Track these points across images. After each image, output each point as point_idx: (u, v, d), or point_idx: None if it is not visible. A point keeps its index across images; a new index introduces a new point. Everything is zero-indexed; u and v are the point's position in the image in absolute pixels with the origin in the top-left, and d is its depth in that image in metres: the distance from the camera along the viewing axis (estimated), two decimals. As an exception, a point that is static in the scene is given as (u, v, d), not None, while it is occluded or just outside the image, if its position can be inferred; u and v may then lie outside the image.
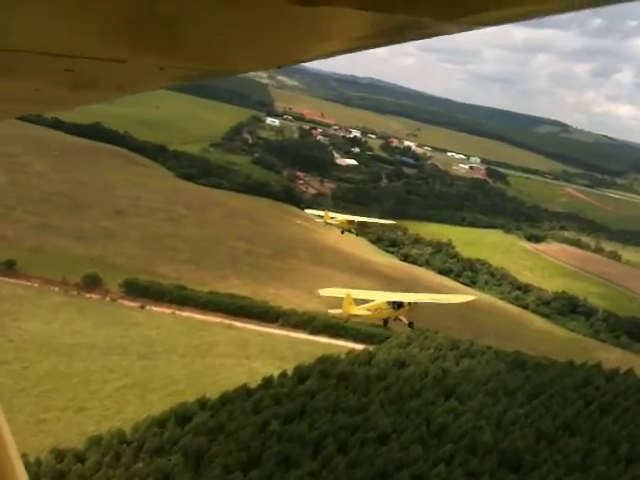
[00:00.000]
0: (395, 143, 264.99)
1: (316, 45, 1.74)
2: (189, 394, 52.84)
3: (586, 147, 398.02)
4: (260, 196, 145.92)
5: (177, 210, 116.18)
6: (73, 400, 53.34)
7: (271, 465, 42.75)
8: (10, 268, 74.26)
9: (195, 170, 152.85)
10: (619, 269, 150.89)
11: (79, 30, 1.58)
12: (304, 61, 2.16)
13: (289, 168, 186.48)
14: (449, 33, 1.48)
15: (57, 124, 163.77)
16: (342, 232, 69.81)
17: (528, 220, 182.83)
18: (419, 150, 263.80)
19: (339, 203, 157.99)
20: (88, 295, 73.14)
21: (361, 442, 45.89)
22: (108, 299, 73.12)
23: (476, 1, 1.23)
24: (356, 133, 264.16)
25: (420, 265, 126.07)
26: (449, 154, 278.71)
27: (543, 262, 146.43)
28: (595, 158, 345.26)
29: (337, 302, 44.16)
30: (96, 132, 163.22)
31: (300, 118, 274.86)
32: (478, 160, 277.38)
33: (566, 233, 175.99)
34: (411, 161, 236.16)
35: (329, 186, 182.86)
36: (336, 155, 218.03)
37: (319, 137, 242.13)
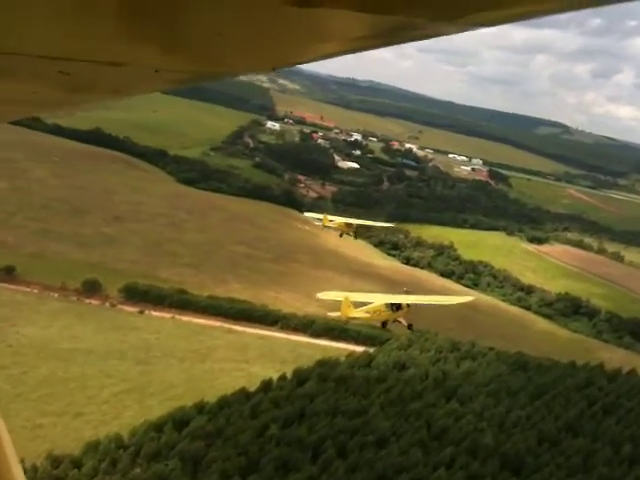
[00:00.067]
0: (396, 146, 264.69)
1: (312, 47, 1.75)
2: (187, 399, 52.41)
3: (588, 148, 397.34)
4: (261, 200, 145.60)
5: (177, 215, 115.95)
6: (71, 405, 53.03)
7: (270, 470, 42.32)
8: (9, 274, 74.02)
9: (195, 174, 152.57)
10: (622, 270, 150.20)
11: (74, 33, 1.59)
12: (300, 63, 2.07)
13: (290, 172, 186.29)
14: (446, 34, 1.47)
15: (57, 130, 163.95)
16: (340, 235, 69.61)
17: (530, 222, 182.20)
18: (420, 152, 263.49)
19: (340, 206, 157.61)
20: (87, 300, 72.86)
21: (361, 446, 45.43)
22: (107, 304, 72.83)
23: (472, 2, 1.23)
24: (357, 136, 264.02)
25: (422, 268, 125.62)
26: (450, 156, 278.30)
27: (546, 263, 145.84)
28: (597, 159, 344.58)
29: (337, 305, 43.97)
30: (96, 137, 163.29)
31: (301, 122, 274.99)
32: (480, 162, 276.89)
33: (569, 234, 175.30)
34: (412, 163, 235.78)
35: (330, 189, 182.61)
36: (337, 158, 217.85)
37: (320, 140, 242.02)
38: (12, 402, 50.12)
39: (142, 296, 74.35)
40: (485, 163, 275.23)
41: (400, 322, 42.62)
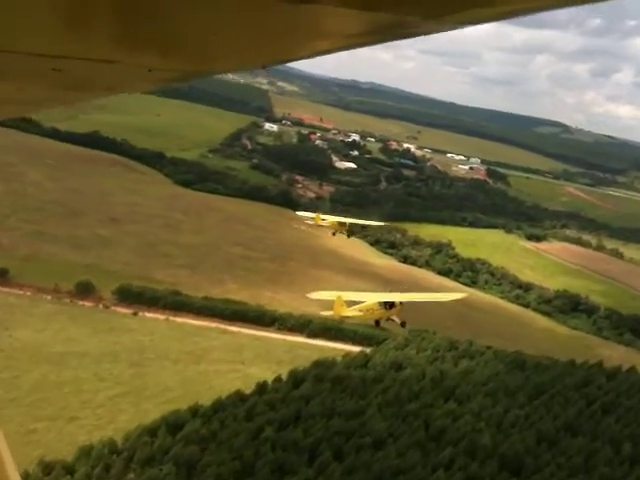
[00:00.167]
0: (394, 146, 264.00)
1: (303, 44, 1.76)
2: (182, 401, 51.76)
3: (587, 147, 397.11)
4: (258, 201, 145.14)
5: (174, 216, 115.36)
6: (65, 409, 52.36)
7: (265, 473, 41.66)
8: (2, 276, 73.40)
9: (193, 176, 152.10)
10: (621, 267, 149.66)
11: (68, 31, 1.61)
12: (291, 60, 2.13)
13: (287, 172, 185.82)
14: (437, 32, 1.48)
15: (54, 133, 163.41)
16: (333, 234, 69.32)
17: (528, 219, 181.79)
18: (418, 152, 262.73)
19: (338, 206, 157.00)
20: (81, 302, 72.21)
21: (357, 448, 44.75)
22: (101, 306, 72.18)
23: (463, 0, 1.23)
24: (355, 137, 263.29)
25: (420, 266, 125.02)
26: (449, 155, 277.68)
27: (544, 261, 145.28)
28: (596, 157, 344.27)
29: (332, 304, 43.65)
30: (94, 140, 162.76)
31: (299, 123, 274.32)
32: (478, 161, 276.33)
33: (567, 232, 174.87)
34: (410, 163, 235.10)
35: (328, 189, 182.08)
36: (335, 159, 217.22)
37: (317, 141, 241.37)
38: (5, 407, 49.52)
39: (136, 298, 73.71)
40: (484, 162, 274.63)
41: (393, 320, 42.17)
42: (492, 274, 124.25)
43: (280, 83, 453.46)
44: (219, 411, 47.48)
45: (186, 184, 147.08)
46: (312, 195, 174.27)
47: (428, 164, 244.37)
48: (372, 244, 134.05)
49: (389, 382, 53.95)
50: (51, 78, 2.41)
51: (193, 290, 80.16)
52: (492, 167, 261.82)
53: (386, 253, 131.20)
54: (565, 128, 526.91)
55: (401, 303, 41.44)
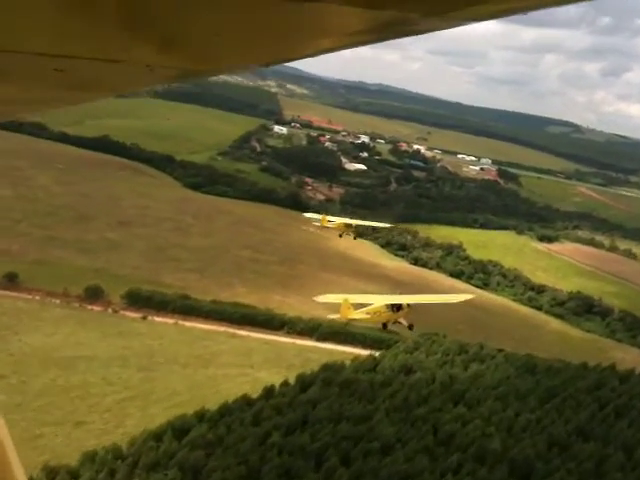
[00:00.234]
0: (404, 147, 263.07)
1: (305, 42, 1.77)
2: (190, 406, 51.50)
3: (598, 146, 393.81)
4: (267, 203, 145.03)
5: (183, 219, 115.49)
6: (72, 414, 52.29)
7: (271, 478, 41.28)
8: (12, 281, 73.61)
9: (202, 179, 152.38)
10: (635, 267, 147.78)
11: (69, 31, 1.63)
12: (294, 59, 2.15)
13: (297, 175, 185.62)
14: (439, 29, 1.47)
15: (64, 138, 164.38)
16: (340, 235, 68.98)
17: (540, 220, 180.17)
18: (428, 153, 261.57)
19: (348, 208, 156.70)
20: (90, 307, 72.31)
21: (365, 453, 44.25)
22: (110, 310, 72.22)
23: None
24: (364, 138, 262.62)
25: (431, 268, 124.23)
26: (459, 156, 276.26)
27: (557, 262, 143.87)
28: (608, 157, 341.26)
29: (340, 307, 43.27)
30: (104, 145, 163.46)
31: (308, 125, 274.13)
32: (489, 161, 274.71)
33: (579, 232, 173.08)
34: (420, 164, 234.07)
35: (338, 191, 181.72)
36: (344, 160, 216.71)
37: (327, 143, 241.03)
38: (12, 412, 49.36)
39: (145, 302, 73.68)
40: (494, 162, 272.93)
41: (401, 323, 41.71)
42: (504, 276, 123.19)
43: (289, 86, 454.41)
44: (225, 415, 47.15)
45: (195, 187, 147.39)
46: (322, 197, 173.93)
47: (438, 165, 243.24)
48: (383, 246, 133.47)
49: (398, 386, 53.39)
50: (53, 78, 2.40)
51: (202, 294, 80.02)
52: (503, 167, 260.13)
53: (397, 255, 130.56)
54: (576, 128, 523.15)
55: (408, 305, 40.95)
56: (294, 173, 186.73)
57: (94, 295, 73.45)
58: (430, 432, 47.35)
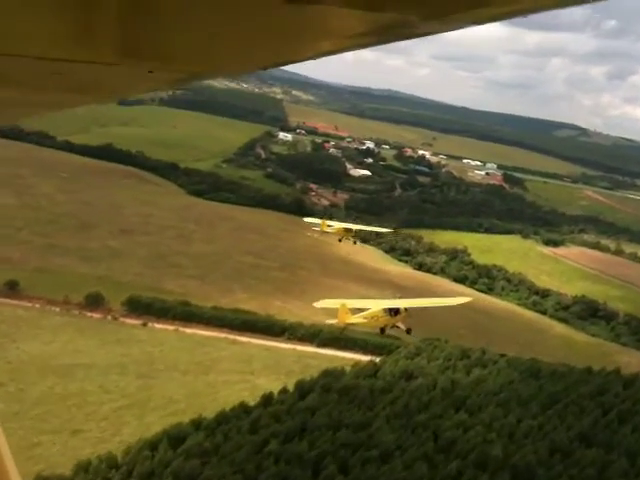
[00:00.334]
0: (409, 153, 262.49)
1: (307, 45, 1.77)
2: (190, 413, 51.04)
3: (605, 150, 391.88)
4: (271, 209, 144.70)
5: (186, 226, 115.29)
6: (69, 422, 51.89)
7: (268, 487, 40.72)
8: (12, 289, 73.42)
9: (206, 186, 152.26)
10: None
11: (69, 34, 1.63)
12: (295, 62, 2.16)
13: (302, 181, 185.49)
14: (439, 32, 1.48)
15: (68, 146, 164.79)
16: (340, 240, 68.61)
17: (546, 224, 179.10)
18: (434, 158, 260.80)
19: (352, 213, 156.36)
20: (90, 314, 71.97)
21: (363, 461, 43.59)
22: (109, 317, 71.84)
23: (465, 0, 1.23)
24: (369, 144, 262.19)
25: (435, 273, 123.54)
26: (465, 161, 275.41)
27: (562, 266, 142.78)
28: (614, 160, 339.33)
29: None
30: (108, 153, 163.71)
31: (313, 132, 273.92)
32: (494, 166, 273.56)
33: (585, 236, 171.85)
34: (425, 170, 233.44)
35: (342, 197, 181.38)
36: (349, 166, 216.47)
37: (332, 150, 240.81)
38: (9, 420, 49.02)
39: (145, 308, 73.33)
40: (500, 167, 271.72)
41: (399, 327, 41.22)
42: (509, 280, 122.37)
43: (295, 92, 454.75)
44: (223, 423, 46.61)
45: (199, 194, 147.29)
46: (326, 203, 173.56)
47: (443, 170, 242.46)
48: (387, 251, 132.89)
49: (398, 392, 52.72)
50: (52, 81, 2.38)
51: (203, 300, 79.64)
52: (509, 172, 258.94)
53: (401, 260, 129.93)
54: (582, 131, 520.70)
55: (406, 309, 40.47)
56: (299, 179, 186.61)
57: (94, 302, 73.17)
58: (430, 439, 46.67)
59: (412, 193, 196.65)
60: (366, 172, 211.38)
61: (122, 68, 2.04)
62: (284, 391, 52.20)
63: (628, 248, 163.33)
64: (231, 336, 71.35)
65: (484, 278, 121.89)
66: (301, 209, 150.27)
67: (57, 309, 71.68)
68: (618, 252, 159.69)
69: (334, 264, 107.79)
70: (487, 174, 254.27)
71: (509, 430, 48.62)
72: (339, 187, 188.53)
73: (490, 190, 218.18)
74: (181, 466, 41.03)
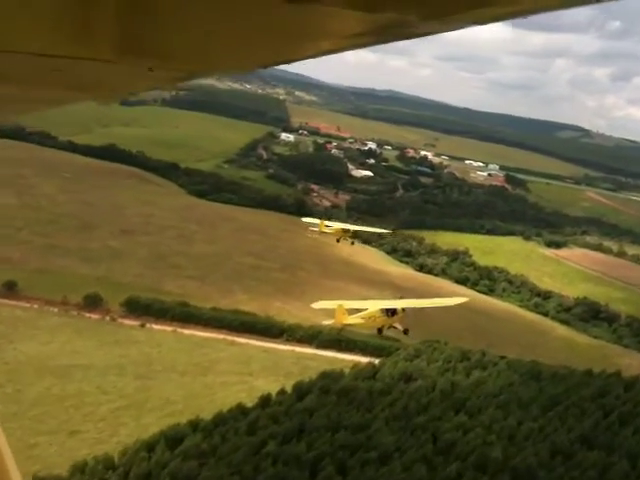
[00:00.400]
0: (411, 153, 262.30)
1: (306, 44, 1.78)
2: (187, 415, 50.73)
3: (608, 151, 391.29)
4: (273, 210, 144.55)
5: (187, 227, 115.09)
6: (66, 423, 51.60)
7: (265, 489, 40.37)
8: (10, 289, 73.20)
9: (207, 187, 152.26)
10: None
11: (69, 31, 1.63)
12: (294, 61, 2.19)
13: (303, 182, 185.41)
14: (438, 32, 1.48)
15: (71, 146, 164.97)
16: (337, 240, 68.36)
17: (548, 226, 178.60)
18: (436, 159, 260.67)
19: (354, 214, 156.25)
20: (88, 315, 71.68)
21: (362, 462, 43.22)
22: (108, 318, 71.54)
23: (464, 0, 1.23)
24: (371, 145, 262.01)
25: (436, 275, 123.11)
26: (467, 162, 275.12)
27: (564, 268, 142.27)
28: (617, 161, 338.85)
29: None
30: (111, 153, 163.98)
31: (315, 132, 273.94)
32: (496, 167, 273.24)
33: (588, 238, 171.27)
34: (427, 170, 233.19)
35: (344, 198, 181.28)
36: (351, 167, 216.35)
37: (334, 150, 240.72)
38: (7, 421, 48.76)
39: (144, 309, 73.00)
40: (503, 168, 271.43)
41: (396, 327, 40.94)
42: (510, 282, 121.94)
43: (297, 93, 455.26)
44: (220, 425, 46.27)
45: (201, 195, 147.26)
46: (328, 204, 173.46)
47: (445, 171, 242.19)
48: (388, 252, 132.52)
49: (397, 394, 52.33)
50: (52, 78, 2.38)
51: (203, 301, 79.33)
52: (511, 173, 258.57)
53: (402, 261, 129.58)
54: (585, 132, 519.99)
55: (403, 310, 40.18)
56: (300, 180, 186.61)
57: (93, 303, 72.88)
58: (430, 441, 46.26)
59: (414, 194, 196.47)
60: (368, 173, 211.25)
61: (122, 65, 2.00)
62: (282, 392, 51.84)
63: (631, 250, 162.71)
64: (229, 337, 70.97)
65: (485, 280, 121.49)
66: (303, 210, 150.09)
67: (55, 310, 71.40)
68: (621, 254, 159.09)
69: (335, 265, 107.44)
70: (489, 175, 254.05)
71: (509, 432, 48.20)
72: (341, 188, 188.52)
73: (492, 191, 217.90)
74: (178, 467, 40.68)
